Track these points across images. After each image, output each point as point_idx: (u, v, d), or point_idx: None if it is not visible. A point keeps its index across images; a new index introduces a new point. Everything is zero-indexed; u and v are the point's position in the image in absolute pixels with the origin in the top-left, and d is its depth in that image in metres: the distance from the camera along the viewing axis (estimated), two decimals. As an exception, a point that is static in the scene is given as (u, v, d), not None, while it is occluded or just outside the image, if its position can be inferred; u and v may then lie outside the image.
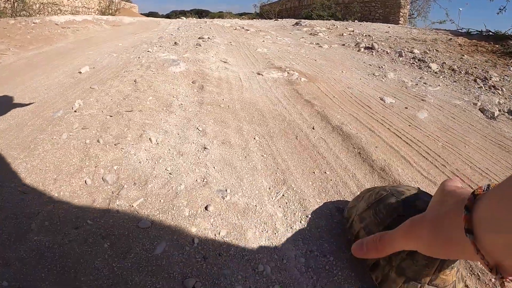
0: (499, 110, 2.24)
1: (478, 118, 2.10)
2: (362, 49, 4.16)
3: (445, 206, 0.26)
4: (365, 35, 5.66)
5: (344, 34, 5.89)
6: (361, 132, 1.62)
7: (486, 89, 2.68)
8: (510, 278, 0.21)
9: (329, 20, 12.69)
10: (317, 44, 4.59)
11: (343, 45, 4.61)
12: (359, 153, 1.42)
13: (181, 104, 1.77)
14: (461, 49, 5.51)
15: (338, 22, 9.58)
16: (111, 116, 1.52)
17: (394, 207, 0.36)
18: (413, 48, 4.36)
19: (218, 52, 3.48)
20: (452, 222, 0.24)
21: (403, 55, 3.72)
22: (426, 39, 5.92)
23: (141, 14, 23.08)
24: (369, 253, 0.31)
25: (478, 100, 2.41)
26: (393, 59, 3.64)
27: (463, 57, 4.35)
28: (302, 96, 2.11)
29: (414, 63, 3.39)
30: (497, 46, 6.18)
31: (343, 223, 0.45)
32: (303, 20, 8.99)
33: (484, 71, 3.37)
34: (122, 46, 3.88)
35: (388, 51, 4.02)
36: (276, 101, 2.00)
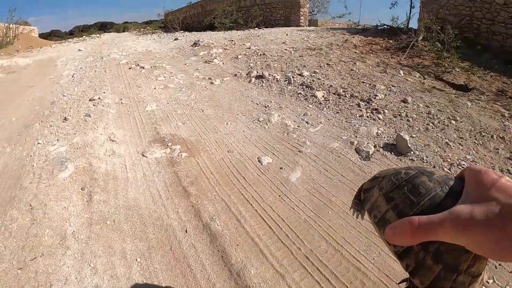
0: (375, 146, 2.89)
1: (352, 162, 2.69)
2: (253, 80, 4.77)
3: (499, 205, 0.30)
4: (260, 54, 6.42)
5: (240, 56, 6.57)
6: (227, 226, 1.93)
7: (368, 116, 3.40)
8: None
9: (232, 28, 13.87)
10: (210, 80, 5.06)
11: (235, 75, 5.19)
12: (222, 256, 1.74)
13: (74, 231, 1.94)
14: (356, 51, 6.69)
15: (238, 33, 10.49)
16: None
17: (429, 187, 0.39)
18: (304, 67, 5.18)
19: (108, 123, 3.66)
20: (486, 207, 0.28)
21: (292, 82, 4.41)
22: (322, 46, 7.00)
23: (42, 36, 23.30)
24: (406, 237, 0.35)
25: (356, 136, 3.05)
26: (281, 90, 4.29)
27: (355, 66, 5.33)
28: (181, 182, 2.43)
29: (301, 93, 4.07)
30: (391, 41, 7.65)
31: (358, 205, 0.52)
32: (202, 39, 9.69)
33: (371, 85, 4.24)
34: (10, 129, 3.78)
35: (279, 78, 4.70)
36: (157, 196, 2.28)
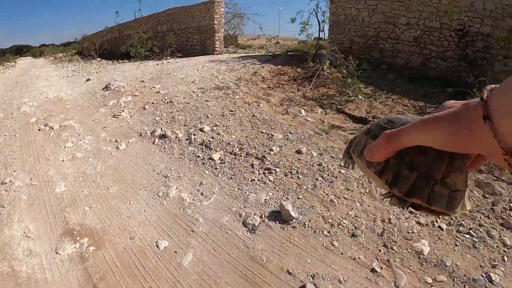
0: (261, 216, 3.12)
1: (238, 238, 2.92)
2: (157, 140, 4.91)
3: (459, 106, 0.39)
4: (168, 101, 6.58)
5: (147, 105, 6.65)
6: None
7: (259, 179, 3.66)
8: None
9: (148, 57, 13.99)
10: (116, 142, 5.10)
11: (141, 135, 5.27)
12: None
13: None
14: (263, 86, 7.13)
15: (150, 69, 10.55)
16: None
17: (403, 119, 0.46)
18: (207, 117, 5.44)
19: (21, 214, 3.53)
20: (470, 112, 0.36)
21: (193, 141, 4.62)
22: (230, 83, 7.36)
23: None
24: (381, 150, 0.43)
25: (245, 206, 3.25)
26: (182, 153, 4.46)
27: (258, 109, 5.69)
28: (92, 279, 2.40)
29: (199, 156, 4.26)
30: (299, 70, 8.33)
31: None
32: (114, 79, 9.66)
33: (269, 136, 4.57)
34: None
35: (181, 136, 4.89)
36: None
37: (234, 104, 5.85)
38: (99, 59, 16.72)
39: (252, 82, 7.29)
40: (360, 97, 6.10)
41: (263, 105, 5.71)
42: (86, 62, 15.96)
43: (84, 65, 14.63)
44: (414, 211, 0.44)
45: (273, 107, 5.68)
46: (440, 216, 0.57)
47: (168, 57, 13.93)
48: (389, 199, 0.48)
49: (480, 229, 3.03)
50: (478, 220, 3.14)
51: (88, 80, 11.28)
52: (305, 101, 6.05)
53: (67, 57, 19.98)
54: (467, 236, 2.92)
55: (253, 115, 5.24)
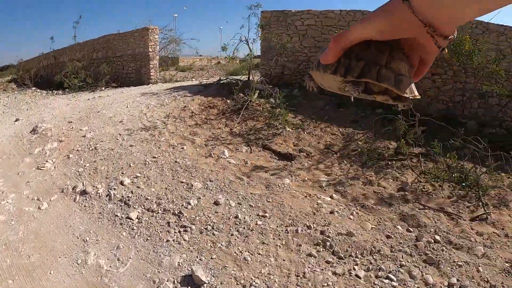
0: (174, 282, 3.14)
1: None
2: (78, 197, 4.77)
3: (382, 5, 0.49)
4: (92, 148, 6.39)
5: (72, 153, 6.44)
6: None
7: (174, 239, 3.64)
8: (442, 38, 0.47)
9: (82, 88, 13.56)
10: (38, 201, 4.87)
11: (63, 191, 5.11)
12: None
13: None
14: (191, 122, 7.14)
15: (81, 104, 10.23)
16: None
17: None
18: (130, 166, 5.37)
19: None
20: (393, 3, 0.46)
21: (112, 197, 4.53)
22: (158, 121, 7.31)
23: None
24: (332, 50, 0.52)
25: (159, 271, 3.23)
26: (101, 212, 4.35)
27: (182, 153, 5.71)
28: None
29: (117, 216, 4.17)
30: (228, 101, 8.49)
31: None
32: (42, 120, 9.25)
33: (188, 186, 4.57)
34: None
35: (101, 192, 4.76)
36: None
37: (159, 148, 5.84)
38: (34, 88, 15.97)
39: (181, 118, 7.31)
40: (288, 128, 6.29)
41: (187, 147, 5.75)
42: (21, 92, 15.19)
43: (18, 97, 13.90)
44: (368, 97, 0.58)
45: (198, 149, 5.73)
46: (396, 103, 0.68)
47: (103, 88, 13.64)
48: (346, 85, 0.56)
49: (401, 270, 3.15)
50: (400, 260, 3.27)
51: (17, 120, 10.77)
52: (232, 138, 6.15)
53: (1, 85, 18.94)
54: (386, 281, 3.03)
55: (175, 161, 5.26)
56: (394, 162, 5.66)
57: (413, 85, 0.54)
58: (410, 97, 0.53)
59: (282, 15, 9.50)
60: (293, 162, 5.29)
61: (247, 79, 9.33)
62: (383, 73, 0.51)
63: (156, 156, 5.60)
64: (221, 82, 9.70)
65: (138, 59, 14.71)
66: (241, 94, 7.82)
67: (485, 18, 9.01)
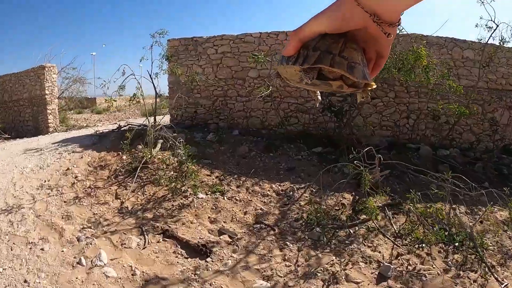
0: None
1: None
2: None
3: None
4: None
5: None
6: None
7: None
8: (388, 25, 0.50)
9: None
10: None
11: None
12: None
13: None
14: (71, 194, 4.82)
15: None
16: None
17: None
18: None
19: None
20: None
21: None
22: (25, 197, 4.87)
23: None
24: (291, 43, 0.56)
25: None
26: None
27: (41, 255, 3.42)
28: None
29: None
30: (124, 157, 6.31)
31: None
32: None
33: None
34: None
35: None
36: None
37: (9, 251, 3.51)
38: None
39: (58, 189, 4.99)
40: (202, 195, 4.19)
41: (51, 246, 3.50)
42: None
43: None
44: (323, 84, 0.57)
45: (65, 249, 3.50)
46: (353, 91, 0.57)
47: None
48: (301, 75, 0.58)
49: None
50: None
51: None
52: (120, 220, 3.97)
53: None
54: None
55: (25, 280, 2.96)
56: (357, 228, 3.81)
57: (367, 74, 0.56)
58: (363, 84, 0.57)
59: (192, 43, 7.60)
60: (209, 259, 3.20)
61: (153, 123, 7.17)
62: (337, 60, 0.54)
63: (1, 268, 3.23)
64: (122, 129, 7.41)
65: (35, 104, 12.00)
66: (140, 146, 5.62)
67: (427, 31, 7.84)
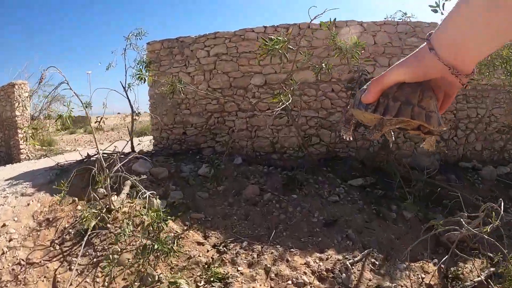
0: None
1: None
2: None
3: (414, 53, 0.56)
4: None
5: None
6: None
7: None
8: (465, 76, 0.52)
9: None
10: None
11: None
12: None
13: None
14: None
15: None
16: None
17: None
18: None
19: None
20: (422, 50, 0.53)
21: None
22: None
23: None
24: (372, 91, 0.58)
25: None
26: None
27: None
28: None
29: None
30: (80, 207, 4.43)
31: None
32: None
33: None
34: None
35: None
36: None
37: None
38: None
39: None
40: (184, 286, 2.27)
41: None
42: None
43: None
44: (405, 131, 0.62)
45: None
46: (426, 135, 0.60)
47: None
48: (383, 120, 0.60)
49: None
50: None
51: None
52: None
53: None
54: None
55: None
56: None
57: (441, 120, 0.58)
58: (438, 131, 0.59)
59: (177, 45, 5.78)
60: None
61: (130, 150, 5.29)
62: (416, 111, 0.56)
63: None
64: (93, 158, 5.50)
65: (6, 127, 10.20)
66: (102, 190, 3.73)
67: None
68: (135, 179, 3.00)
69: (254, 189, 3.58)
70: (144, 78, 4.55)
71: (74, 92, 3.26)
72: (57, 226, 3.78)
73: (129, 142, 5.07)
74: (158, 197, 3.20)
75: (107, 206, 3.01)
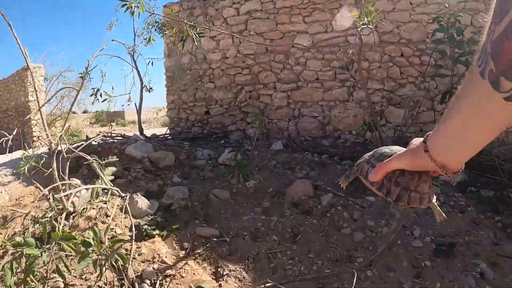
0: None
1: None
2: None
3: (414, 145, 0.64)
4: None
5: None
6: None
7: None
8: (450, 173, 0.58)
9: None
10: None
11: None
12: None
13: None
14: None
15: None
16: None
17: (388, 153, 0.71)
18: None
19: None
20: (419, 148, 0.61)
21: None
22: None
23: None
24: (378, 173, 0.68)
25: None
26: None
27: None
28: None
29: None
30: (47, 203, 3.31)
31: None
32: None
33: None
34: None
35: None
36: None
37: None
38: None
39: None
40: None
41: None
42: None
43: None
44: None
45: None
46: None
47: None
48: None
49: None
50: None
51: None
52: None
53: None
54: None
55: None
56: None
57: (432, 198, 0.71)
58: (427, 205, 0.70)
59: (199, 4, 4.56)
60: None
61: (139, 132, 4.12)
62: (412, 197, 0.67)
63: None
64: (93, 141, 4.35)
65: (21, 113, 9.65)
66: (76, 180, 2.51)
67: None
68: (94, 160, 1.76)
69: (305, 187, 2.23)
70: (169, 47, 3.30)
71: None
72: (11, 228, 2.65)
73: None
74: (147, 195, 1.95)
75: (63, 207, 1.77)
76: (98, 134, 3.65)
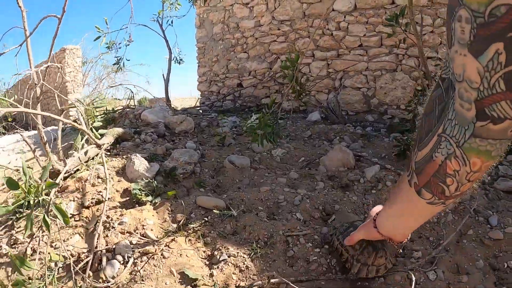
0: None
1: None
2: None
3: (370, 216, 0.92)
4: None
5: None
6: None
7: None
8: (398, 243, 0.88)
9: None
10: None
11: None
12: None
13: None
14: None
15: None
16: None
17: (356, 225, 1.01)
18: None
19: None
20: (370, 224, 0.88)
21: None
22: None
23: None
24: (349, 241, 0.95)
25: None
26: None
27: None
28: None
29: None
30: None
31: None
32: None
33: None
34: None
35: None
36: None
37: None
38: None
39: None
40: None
41: None
42: None
43: None
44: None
45: None
46: None
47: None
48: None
49: None
50: None
51: None
52: None
53: None
54: None
55: None
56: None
57: (388, 263, 0.96)
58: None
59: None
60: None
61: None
62: (370, 269, 0.92)
63: None
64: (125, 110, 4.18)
65: (58, 94, 9.55)
66: (74, 152, 2.21)
67: None
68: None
69: (345, 155, 1.82)
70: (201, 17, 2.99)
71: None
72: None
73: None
74: (151, 158, 1.63)
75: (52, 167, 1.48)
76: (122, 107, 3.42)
